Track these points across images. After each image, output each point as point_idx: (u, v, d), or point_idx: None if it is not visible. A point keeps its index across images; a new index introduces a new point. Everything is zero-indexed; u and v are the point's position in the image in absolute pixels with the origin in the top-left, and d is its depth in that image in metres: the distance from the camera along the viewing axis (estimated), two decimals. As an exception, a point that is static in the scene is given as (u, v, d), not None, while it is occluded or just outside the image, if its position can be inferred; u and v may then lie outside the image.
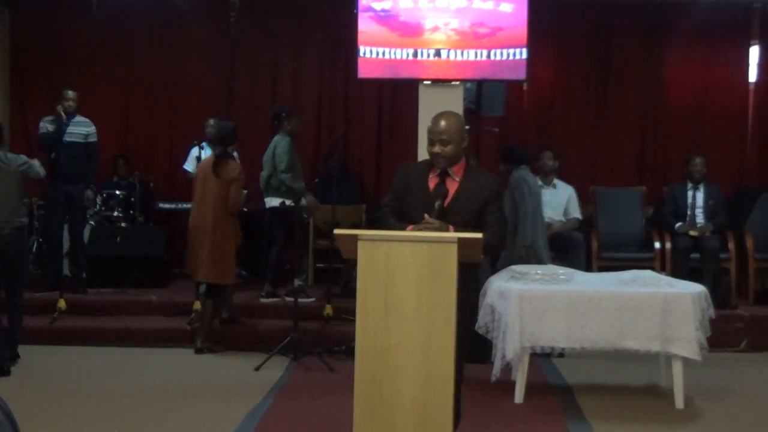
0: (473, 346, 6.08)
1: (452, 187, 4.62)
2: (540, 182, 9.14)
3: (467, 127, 7.50)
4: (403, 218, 4.62)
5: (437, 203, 4.53)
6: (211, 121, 9.40)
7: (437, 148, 4.58)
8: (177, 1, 10.24)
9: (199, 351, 7.74)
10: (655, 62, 10.70)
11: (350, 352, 5.47)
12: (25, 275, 7.75)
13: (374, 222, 8.17)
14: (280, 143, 8.69)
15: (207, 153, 8.87)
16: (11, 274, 7.10)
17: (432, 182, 4.66)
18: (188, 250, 8.03)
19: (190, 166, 9.23)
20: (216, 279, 7.71)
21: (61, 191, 8.70)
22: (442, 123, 4.61)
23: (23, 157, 7.36)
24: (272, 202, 8.66)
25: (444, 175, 4.64)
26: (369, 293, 4.32)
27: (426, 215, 4.48)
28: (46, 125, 8.81)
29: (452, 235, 4.29)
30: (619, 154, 10.68)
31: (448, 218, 4.51)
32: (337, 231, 4.45)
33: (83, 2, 10.36)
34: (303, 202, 8.72)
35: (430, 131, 4.63)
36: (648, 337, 6.02)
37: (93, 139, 8.96)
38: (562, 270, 6.66)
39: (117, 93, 10.94)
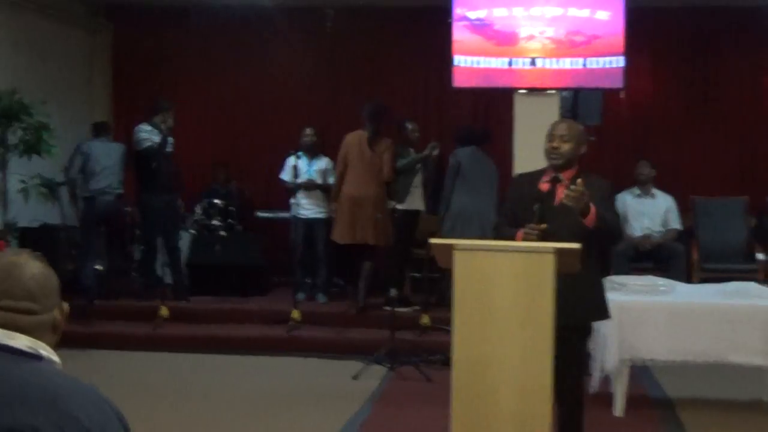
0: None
1: (562, 190, 4.58)
2: (638, 192, 9.04)
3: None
4: (519, 225, 4.63)
5: (536, 207, 4.53)
6: (308, 130, 9.48)
7: (556, 143, 4.64)
8: (274, 13, 10.37)
9: (361, 310, 8.61)
10: (756, 69, 10.47)
11: (447, 362, 5.46)
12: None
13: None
14: None
15: (303, 162, 8.99)
16: (114, 235, 9.42)
17: (543, 187, 4.69)
18: (342, 219, 8.55)
19: (286, 176, 9.32)
20: (379, 241, 8.52)
21: (162, 200, 8.92)
22: (563, 125, 4.79)
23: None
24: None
25: (555, 181, 4.67)
26: (465, 303, 4.32)
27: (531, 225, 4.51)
28: (151, 137, 9.03)
29: (549, 245, 4.26)
30: (720, 163, 10.46)
31: (555, 220, 4.50)
32: (432, 240, 4.46)
33: (183, 15, 10.61)
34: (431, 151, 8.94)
35: (550, 131, 4.71)
36: (752, 350, 5.88)
37: (171, 148, 9.25)
38: (662, 281, 6.56)
39: (215, 102, 11.14)
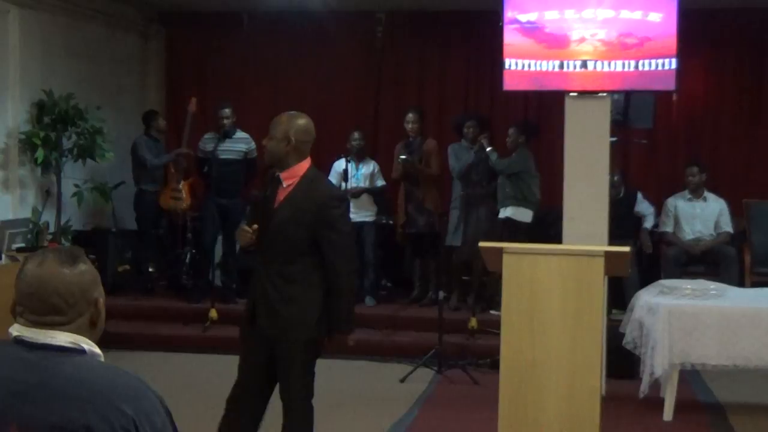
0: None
1: (282, 194, 4.30)
2: (689, 196, 8.94)
3: (613, 139, 7.45)
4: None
5: (249, 208, 4.59)
6: (356, 134, 9.49)
7: (265, 141, 4.36)
8: (324, 18, 10.41)
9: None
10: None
11: (495, 366, 5.45)
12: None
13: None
14: None
15: (351, 166, 9.00)
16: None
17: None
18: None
19: (333, 180, 9.34)
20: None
21: (215, 204, 8.96)
22: (274, 121, 4.41)
23: None
24: None
25: (276, 183, 4.35)
26: (514, 306, 4.32)
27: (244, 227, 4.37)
28: (204, 144, 9.12)
29: (600, 248, 4.24)
30: (773, 166, 10.31)
31: (274, 221, 4.24)
32: (482, 244, 4.47)
33: (234, 20, 10.70)
34: None
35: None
36: (805, 355, 5.80)
37: (253, 155, 9.18)
38: (713, 285, 6.49)
39: (266, 107, 11.12)
